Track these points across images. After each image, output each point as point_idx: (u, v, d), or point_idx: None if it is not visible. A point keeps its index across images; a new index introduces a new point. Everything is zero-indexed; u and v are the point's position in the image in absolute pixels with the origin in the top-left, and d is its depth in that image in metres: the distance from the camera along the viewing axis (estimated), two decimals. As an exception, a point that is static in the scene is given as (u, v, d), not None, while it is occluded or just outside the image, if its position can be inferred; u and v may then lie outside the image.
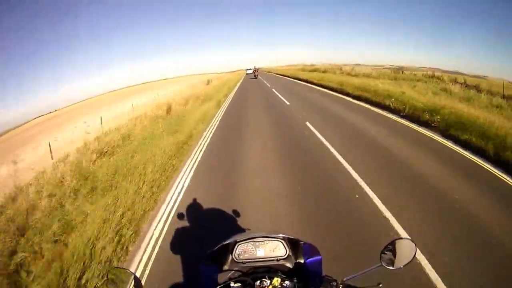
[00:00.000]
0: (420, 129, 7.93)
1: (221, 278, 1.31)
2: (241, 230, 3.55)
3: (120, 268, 1.17)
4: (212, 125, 10.36)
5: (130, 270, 1.13)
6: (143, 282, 2.23)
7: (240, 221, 3.78)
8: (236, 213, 3.90)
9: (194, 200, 4.63)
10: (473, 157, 5.85)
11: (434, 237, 3.35)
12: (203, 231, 3.70)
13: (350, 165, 5.39)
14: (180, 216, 4.18)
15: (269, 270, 1.29)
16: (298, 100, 14.40)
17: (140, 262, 3.29)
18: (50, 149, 8.35)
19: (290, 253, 1.34)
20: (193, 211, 4.37)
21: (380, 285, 1.04)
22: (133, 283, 1.11)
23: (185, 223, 4.06)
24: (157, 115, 12.00)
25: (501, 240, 3.27)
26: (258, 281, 1.18)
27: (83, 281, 2.77)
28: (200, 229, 3.83)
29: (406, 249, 1.10)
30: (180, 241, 3.64)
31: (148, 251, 3.52)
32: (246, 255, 1.32)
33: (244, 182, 5.19)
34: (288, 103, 13.44)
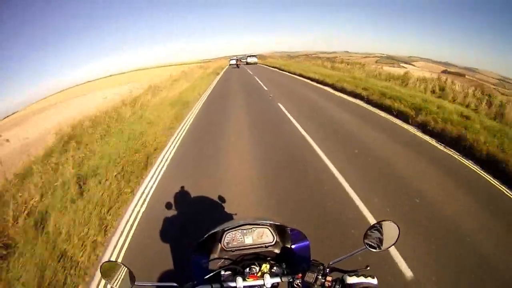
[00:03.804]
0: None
1: (212, 266, 1.33)
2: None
3: (112, 261, 1.17)
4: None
5: (123, 263, 1.13)
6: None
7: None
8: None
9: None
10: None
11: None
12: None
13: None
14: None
15: (258, 256, 1.32)
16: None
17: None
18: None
19: (278, 239, 1.36)
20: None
21: (368, 268, 1.06)
22: (128, 276, 1.11)
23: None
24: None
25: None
26: (248, 268, 1.20)
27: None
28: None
29: (390, 231, 1.12)
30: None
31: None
32: (234, 243, 1.34)
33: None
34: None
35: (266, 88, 14.39)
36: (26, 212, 3.69)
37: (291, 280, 1.13)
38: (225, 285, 1.14)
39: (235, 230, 1.33)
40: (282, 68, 27.25)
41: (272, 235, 1.35)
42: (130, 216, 3.79)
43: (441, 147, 5.98)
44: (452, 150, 5.73)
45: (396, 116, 8.03)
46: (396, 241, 1.11)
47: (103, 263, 1.13)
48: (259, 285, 1.13)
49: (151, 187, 4.55)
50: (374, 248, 1.14)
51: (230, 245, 1.34)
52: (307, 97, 11.80)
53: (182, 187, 4.32)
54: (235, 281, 1.11)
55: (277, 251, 1.38)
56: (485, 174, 4.77)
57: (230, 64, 39.28)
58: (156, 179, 4.81)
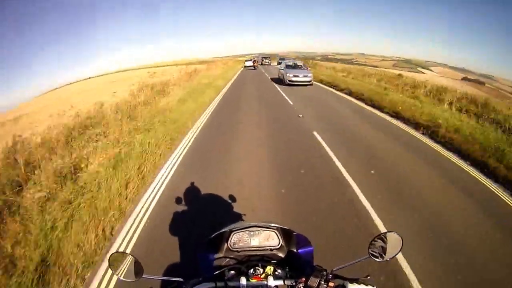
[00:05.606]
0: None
1: (217, 265, 1.37)
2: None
3: (120, 252, 1.23)
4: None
5: (131, 254, 1.18)
6: None
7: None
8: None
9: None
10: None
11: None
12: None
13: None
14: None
15: (263, 258, 1.35)
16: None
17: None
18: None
19: (283, 243, 1.39)
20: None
21: (368, 277, 1.08)
22: (133, 266, 1.17)
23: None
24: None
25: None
26: (252, 269, 1.23)
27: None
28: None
29: (393, 242, 1.14)
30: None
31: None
32: (241, 244, 1.37)
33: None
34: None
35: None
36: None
37: (294, 283, 1.16)
38: (229, 284, 1.18)
39: (242, 231, 1.37)
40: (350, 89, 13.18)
41: (278, 238, 1.38)
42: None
43: None
44: None
45: None
46: (399, 251, 1.13)
47: (111, 254, 1.17)
48: (262, 286, 1.16)
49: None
50: (377, 257, 1.16)
51: (236, 245, 1.38)
52: None
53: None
54: (239, 281, 1.15)
55: (281, 254, 1.40)
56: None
57: (245, 66, 32.70)
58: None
